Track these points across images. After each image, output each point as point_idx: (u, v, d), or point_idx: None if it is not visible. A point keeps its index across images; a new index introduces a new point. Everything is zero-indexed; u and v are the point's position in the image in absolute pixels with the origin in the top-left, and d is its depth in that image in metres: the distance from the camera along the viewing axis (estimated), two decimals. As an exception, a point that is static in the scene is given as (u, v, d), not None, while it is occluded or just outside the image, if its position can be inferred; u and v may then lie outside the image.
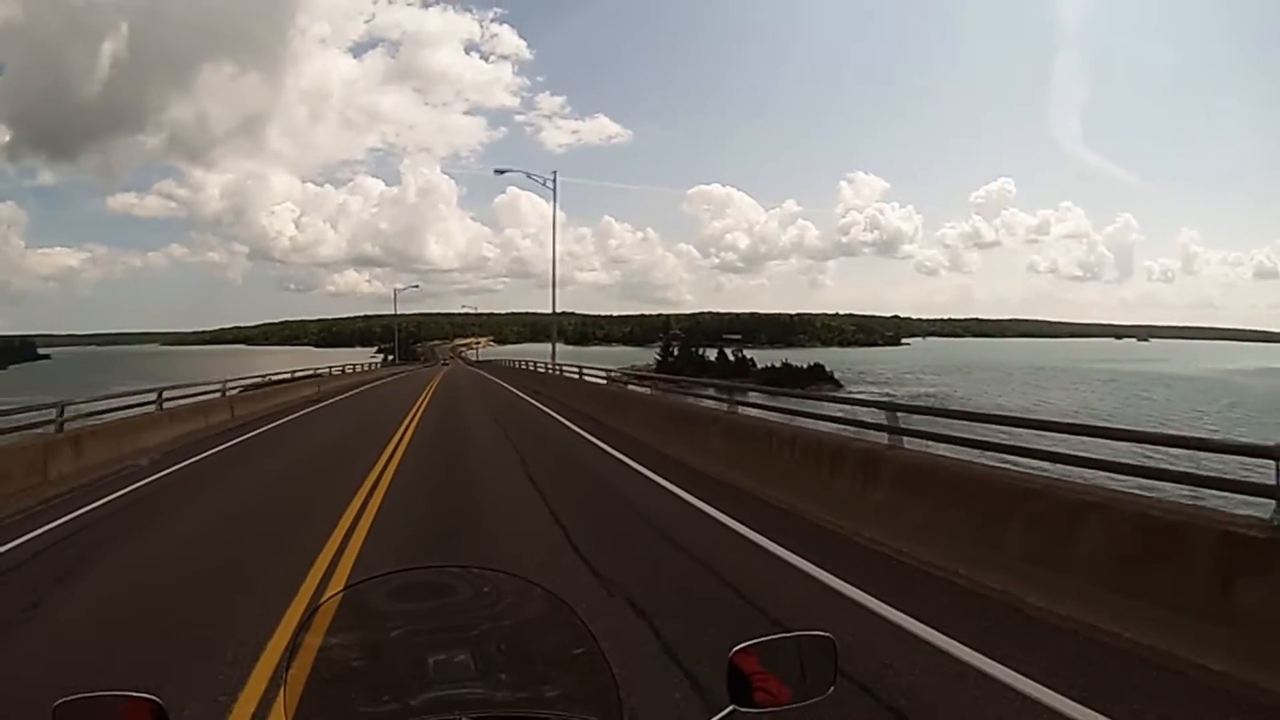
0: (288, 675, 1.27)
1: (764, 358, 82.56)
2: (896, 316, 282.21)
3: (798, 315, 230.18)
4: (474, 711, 1.17)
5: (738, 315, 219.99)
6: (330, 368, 34.92)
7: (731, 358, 77.39)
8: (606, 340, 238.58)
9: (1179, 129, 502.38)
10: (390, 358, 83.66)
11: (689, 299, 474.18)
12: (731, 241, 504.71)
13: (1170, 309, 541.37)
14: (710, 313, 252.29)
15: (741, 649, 1.21)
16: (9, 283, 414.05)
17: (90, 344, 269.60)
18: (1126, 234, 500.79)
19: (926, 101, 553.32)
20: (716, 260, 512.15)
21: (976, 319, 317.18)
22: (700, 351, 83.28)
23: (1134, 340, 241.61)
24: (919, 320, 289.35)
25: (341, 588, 1.33)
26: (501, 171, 73.11)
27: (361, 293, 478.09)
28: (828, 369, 69.66)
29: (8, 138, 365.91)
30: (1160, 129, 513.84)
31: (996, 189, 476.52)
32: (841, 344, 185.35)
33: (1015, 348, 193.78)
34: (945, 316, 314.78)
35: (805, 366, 69.40)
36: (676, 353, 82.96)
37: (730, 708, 1.19)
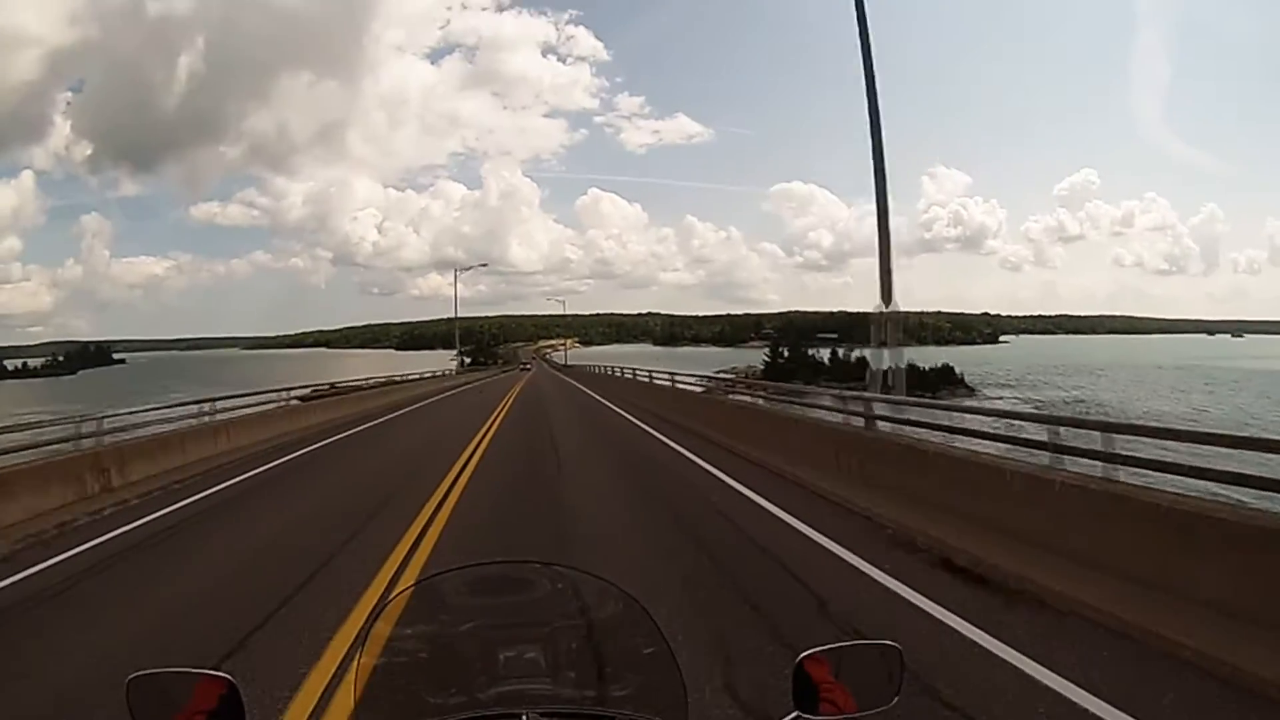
0: (359, 662, 1.28)
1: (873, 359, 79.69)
2: (986, 314, 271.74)
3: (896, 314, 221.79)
4: (540, 707, 1.16)
5: (831, 314, 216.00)
6: (328, 386, 25.63)
7: (853, 359, 75.65)
8: (696, 340, 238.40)
9: (1264, 113, 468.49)
10: (465, 360, 79.24)
11: (773, 298, 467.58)
12: (815, 239, 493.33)
13: (1257, 302, 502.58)
14: (798, 311, 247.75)
15: (809, 655, 1.19)
16: (94, 291, 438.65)
17: (173, 349, 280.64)
18: (1212, 225, 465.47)
19: (1007, 92, 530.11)
20: (800, 258, 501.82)
21: (1066, 315, 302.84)
22: (814, 352, 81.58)
23: (1228, 336, 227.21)
24: (1009, 317, 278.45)
25: (415, 581, 1.24)
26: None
27: (445, 296, 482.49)
28: (957, 371, 67.58)
29: (89, 151, 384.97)
30: (1244, 113, 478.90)
31: (1080, 180, 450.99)
32: (938, 342, 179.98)
33: (1116, 345, 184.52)
34: (1034, 313, 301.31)
35: (933, 369, 67.33)
36: (787, 354, 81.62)
37: (794, 714, 1.16)
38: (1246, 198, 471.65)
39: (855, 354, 78.11)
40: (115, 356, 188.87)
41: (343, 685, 3.44)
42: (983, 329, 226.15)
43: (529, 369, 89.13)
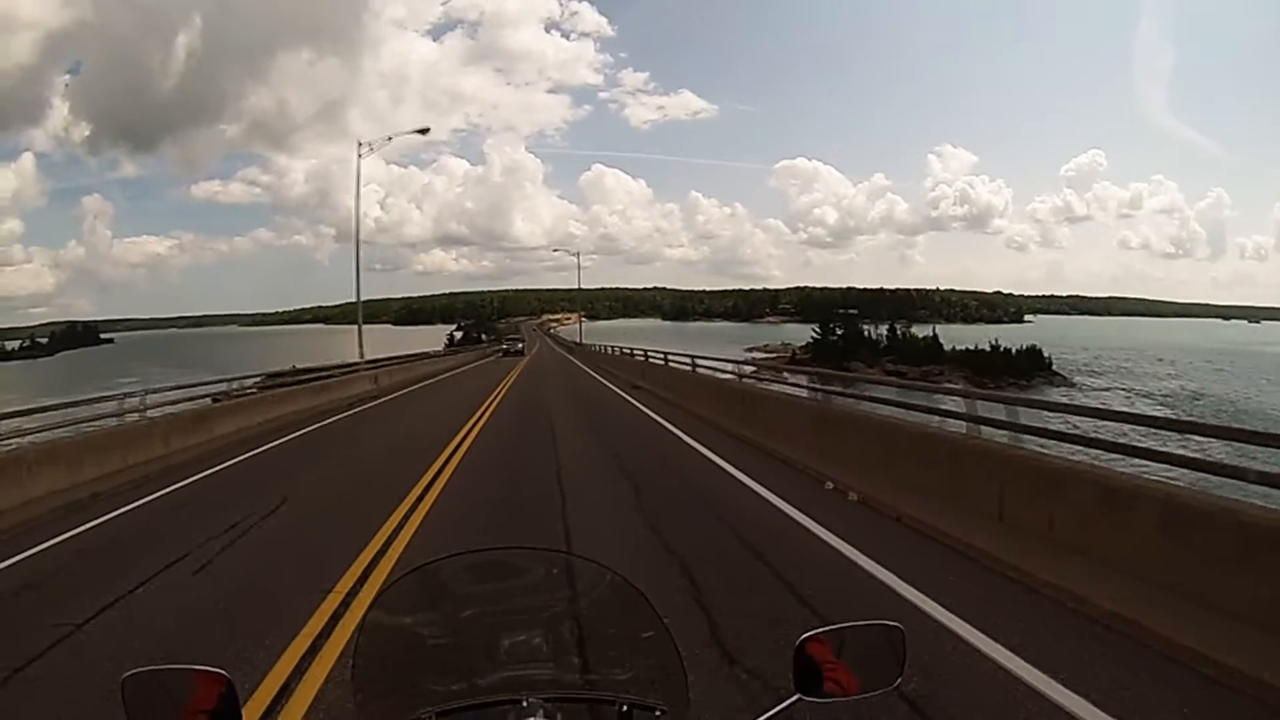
0: (357, 651, 1.28)
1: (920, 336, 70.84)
2: (999, 292, 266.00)
3: (919, 290, 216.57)
4: (542, 692, 1.17)
5: (848, 289, 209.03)
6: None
7: (917, 337, 67.76)
8: (707, 315, 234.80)
9: (1270, 101, 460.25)
10: (456, 336, 68.89)
11: (777, 274, 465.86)
12: (819, 216, 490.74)
13: (1263, 289, 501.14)
14: (812, 287, 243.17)
15: (811, 637, 1.18)
16: (97, 271, 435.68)
17: (173, 327, 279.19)
18: (1218, 210, 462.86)
19: (1014, 70, 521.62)
20: (804, 235, 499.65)
21: (1079, 296, 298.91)
22: (873, 330, 73.43)
23: (1244, 321, 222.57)
24: (1021, 296, 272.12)
25: (414, 567, 1.32)
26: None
27: (448, 271, 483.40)
28: (1045, 355, 59.62)
29: (88, 132, 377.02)
30: (1250, 101, 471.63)
31: (1087, 161, 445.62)
32: (964, 320, 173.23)
33: (1139, 328, 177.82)
34: (1044, 293, 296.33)
35: (1019, 351, 59.41)
36: (840, 331, 73.54)
37: (796, 696, 1.17)
38: (1253, 184, 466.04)
39: (933, 333, 69.53)
40: (104, 336, 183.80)
41: (336, 675, 3.41)
42: (1007, 308, 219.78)
43: (520, 350, 56.59)
